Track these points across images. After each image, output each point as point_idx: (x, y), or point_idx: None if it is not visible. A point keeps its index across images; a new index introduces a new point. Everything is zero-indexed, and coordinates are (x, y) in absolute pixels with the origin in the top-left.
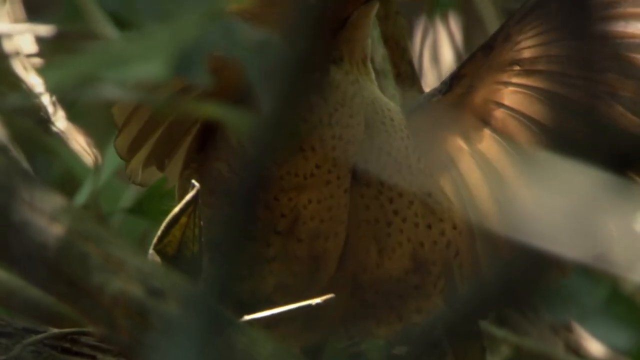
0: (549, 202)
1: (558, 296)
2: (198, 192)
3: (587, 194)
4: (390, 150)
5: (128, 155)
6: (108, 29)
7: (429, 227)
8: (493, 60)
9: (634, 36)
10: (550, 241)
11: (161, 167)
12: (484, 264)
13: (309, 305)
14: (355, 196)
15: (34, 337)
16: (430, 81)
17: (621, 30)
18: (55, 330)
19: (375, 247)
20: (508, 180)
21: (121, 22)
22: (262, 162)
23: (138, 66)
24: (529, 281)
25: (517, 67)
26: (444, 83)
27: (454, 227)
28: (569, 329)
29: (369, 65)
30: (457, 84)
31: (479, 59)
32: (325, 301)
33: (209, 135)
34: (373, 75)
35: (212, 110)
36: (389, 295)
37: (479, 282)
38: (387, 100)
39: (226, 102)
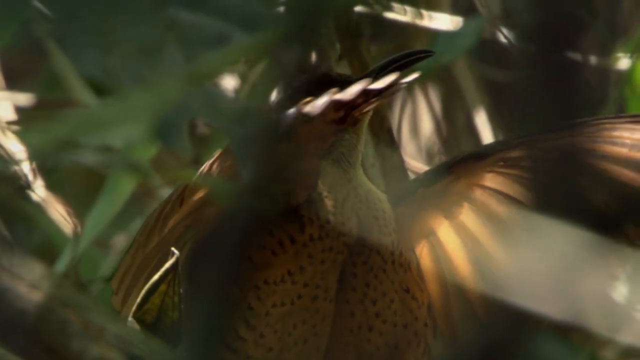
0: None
1: None
2: (177, 259)
3: (568, 256)
4: (380, 249)
5: (122, 307)
6: (87, 97)
7: (405, 326)
8: (484, 161)
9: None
10: (530, 301)
11: None
12: (459, 340)
13: None
14: (341, 303)
15: None
16: (409, 150)
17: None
18: None
19: (354, 354)
20: (488, 245)
21: (100, 89)
22: (239, 227)
23: (117, 131)
24: (508, 346)
25: (504, 163)
26: (431, 175)
27: (425, 325)
28: None
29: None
30: (444, 178)
31: (468, 161)
32: None
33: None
34: (361, 167)
35: (195, 177)
36: None
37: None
38: (377, 190)
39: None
